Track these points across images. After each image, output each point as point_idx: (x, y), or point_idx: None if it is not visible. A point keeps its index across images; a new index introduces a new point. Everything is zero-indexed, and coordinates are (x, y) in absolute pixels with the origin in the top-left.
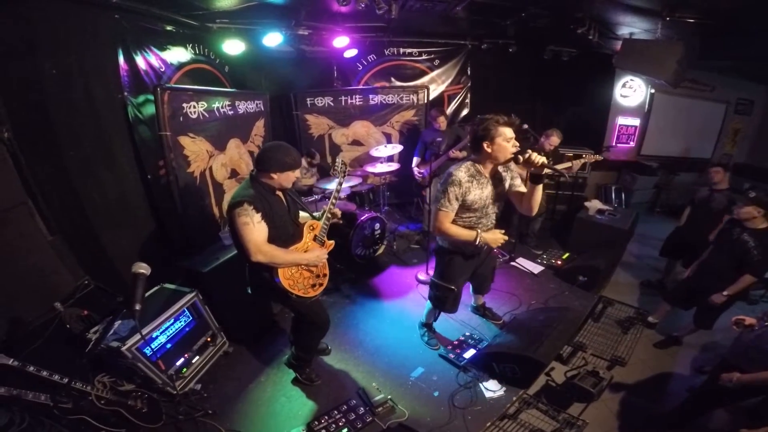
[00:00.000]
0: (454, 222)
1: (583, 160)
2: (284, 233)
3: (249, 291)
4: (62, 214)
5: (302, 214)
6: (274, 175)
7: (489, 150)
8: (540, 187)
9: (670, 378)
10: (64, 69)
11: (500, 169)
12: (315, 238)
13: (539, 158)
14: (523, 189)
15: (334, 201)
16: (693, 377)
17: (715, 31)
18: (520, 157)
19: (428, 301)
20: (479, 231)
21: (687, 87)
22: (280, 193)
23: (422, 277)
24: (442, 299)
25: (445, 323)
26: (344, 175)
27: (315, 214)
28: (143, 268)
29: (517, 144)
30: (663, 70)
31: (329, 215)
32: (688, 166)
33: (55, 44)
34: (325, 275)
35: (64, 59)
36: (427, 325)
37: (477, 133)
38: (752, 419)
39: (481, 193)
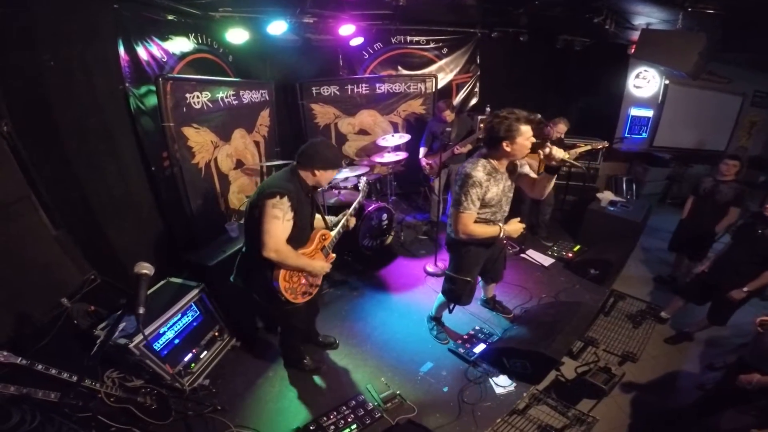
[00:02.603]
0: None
1: (586, 148)
2: (302, 236)
3: (232, 279)
4: (66, 207)
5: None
6: (317, 172)
7: (509, 149)
8: (554, 177)
9: (681, 375)
10: (64, 61)
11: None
12: (323, 249)
13: (560, 153)
14: (533, 175)
15: (350, 215)
16: (704, 374)
17: (738, 23)
18: (541, 151)
19: (441, 295)
20: (501, 226)
21: (703, 79)
22: (310, 195)
23: (431, 269)
24: (459, 292)
25: (455, 317)
26: (365, 195)
27: (329, 218)
28: (146, 269)
29: (534, 139)
30: (684, 61)
31: (341, 230)
32: (702, 158)
33: (53, 35)
34: (317, 285)
35: (63, 51)
36: (436, 319)
37: (498, 132)
38: (764, 419)
39: (497, 189)
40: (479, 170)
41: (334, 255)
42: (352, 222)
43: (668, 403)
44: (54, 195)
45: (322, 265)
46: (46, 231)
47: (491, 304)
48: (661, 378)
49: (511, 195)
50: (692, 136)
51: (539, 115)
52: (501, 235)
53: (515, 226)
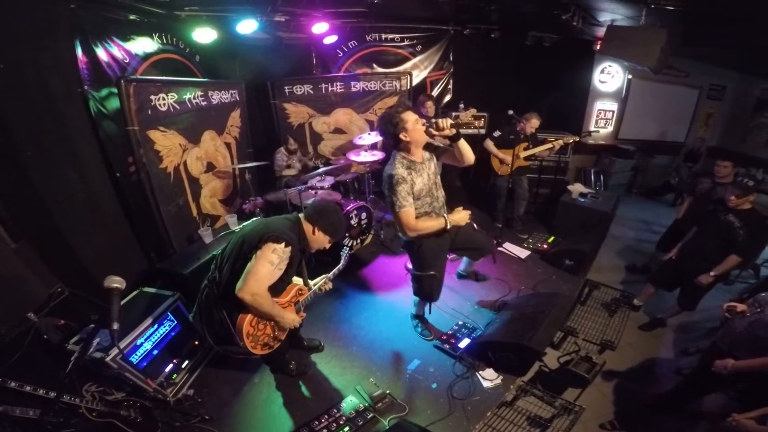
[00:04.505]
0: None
1: (561, 142)
2: (280, 286)
3: (191, 317)
4: (26, 219)
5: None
6: (318, 232)
7: (407, 138)
8: (461, 141)
9: (658, 360)
10: (15, 63)
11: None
12: (296, 303)
13: (444, 122)
14: (446, 144)
15: (328, 279)
16: (679, 359)
17: (698, 18)
18: (432, 131)
19: (414, 296)
20: (446, 217)
21: (663, 73)
22: (303, 250)
23: (411, 265)
24: (428, 289)
25: (437, 313)
26: (345, 265)
27: (309, 281)
28: (117, 282)
29: (423, 121)
30: (647, 57)
31: (317, 290)
32: (664, 149)
33: (2, 36)
34: (280, 340)
35: (13, 53)
36: (419, 317)
37: (389, 130)
38: (743, 403)
39: (422, 179)
40: (398, 167)
41: (304, 314)
42: (329, 286)
43: (649, 389)
44: (11, 206)
45: (293, 317)
46: (4, 244)
47: (472, 276)
48: (639, 364)
49: (439, 180)
50: (654, 129)
51: (410, 102)
52: (448, 226)
53: (460, 215)
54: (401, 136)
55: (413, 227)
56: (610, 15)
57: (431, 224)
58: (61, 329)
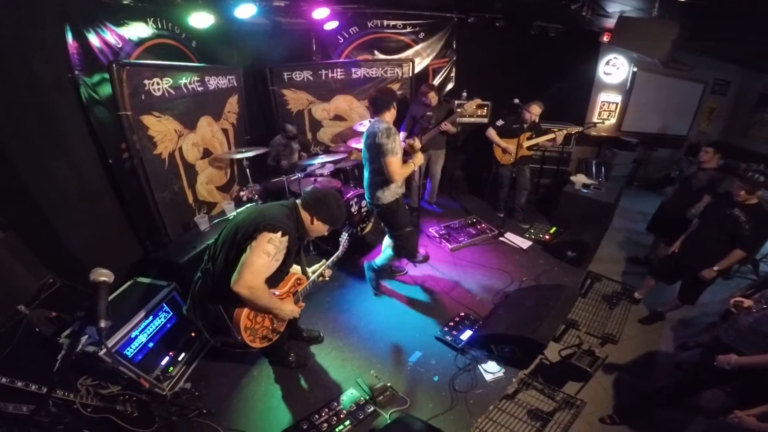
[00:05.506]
0: None
1: (564, 132)
2: (278, 276)
3: (185, 310)
4: (13, 208)
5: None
6: (315, 221)
7: (395, 110)
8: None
9: (658, 354)
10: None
11: None
12: (294, 293)
13: (417, 144)
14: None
15: (327, 266)
16: (678, 353)
17: (707, 11)
18: (410, 143)
19: (393, 252)
20: (413, 161)
21: (668, 66)
22: (300, 238)
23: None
24: (413, 244)
25: (440, 305)
26: (344, 251)
27: (308, 269)
28: (105, 275)
29: None
30: (659, 49)
31: (316, 279)
32: (666, 143)
33: None
34: (279, 332)
35: None
36: (381, 270)
37: (391, 95)
38: (741, 399)
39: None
40: (390, 123)
41: (302, 304)
42: (328, 273)
43: (650, 383)
44: None
45: (291, 308)
46: None
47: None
48: (639, 358)
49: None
50: (657, 122)
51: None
52: (416, 167)
53: (419, 156)
54: (394, 103)
55: (399, 171)
56: (620, 6)
57: (408, 168)
58: (53, 321)
